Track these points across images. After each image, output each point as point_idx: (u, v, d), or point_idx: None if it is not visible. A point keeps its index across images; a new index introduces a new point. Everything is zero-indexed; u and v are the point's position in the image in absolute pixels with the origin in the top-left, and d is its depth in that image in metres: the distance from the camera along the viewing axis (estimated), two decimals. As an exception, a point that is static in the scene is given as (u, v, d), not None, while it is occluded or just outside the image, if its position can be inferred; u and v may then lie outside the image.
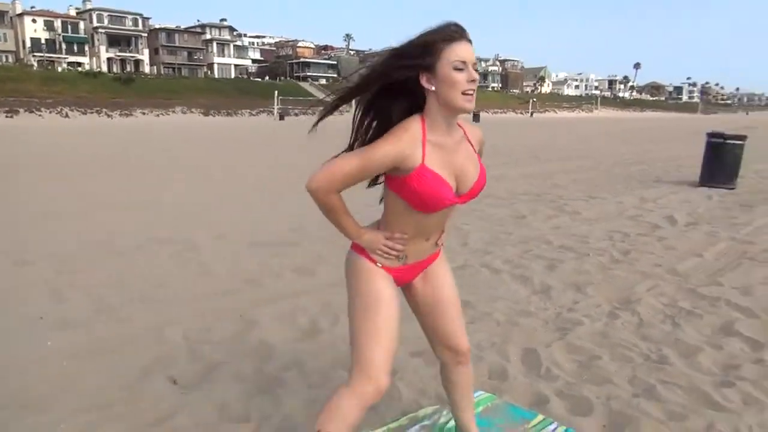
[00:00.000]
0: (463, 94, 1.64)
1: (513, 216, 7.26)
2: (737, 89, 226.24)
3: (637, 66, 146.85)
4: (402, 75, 1.67)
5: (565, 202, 8.12)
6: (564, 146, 21.16)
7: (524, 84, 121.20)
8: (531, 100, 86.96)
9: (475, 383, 2.60)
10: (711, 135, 10.16)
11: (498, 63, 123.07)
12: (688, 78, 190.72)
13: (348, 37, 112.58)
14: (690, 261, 5.20)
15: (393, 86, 1.70)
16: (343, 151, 1.77)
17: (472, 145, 1.84)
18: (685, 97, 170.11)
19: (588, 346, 3.35)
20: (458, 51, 1.62)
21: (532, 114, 78.87)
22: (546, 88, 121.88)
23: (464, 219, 6.68)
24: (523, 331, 3.57)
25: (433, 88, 1.65)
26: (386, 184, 1.79)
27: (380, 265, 1.84)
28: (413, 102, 1.73)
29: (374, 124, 1.77)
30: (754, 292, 4.31)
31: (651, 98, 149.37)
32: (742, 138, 10.02)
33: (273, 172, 11.76)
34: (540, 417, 2.56)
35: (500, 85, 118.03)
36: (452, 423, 2.43)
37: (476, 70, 1.67)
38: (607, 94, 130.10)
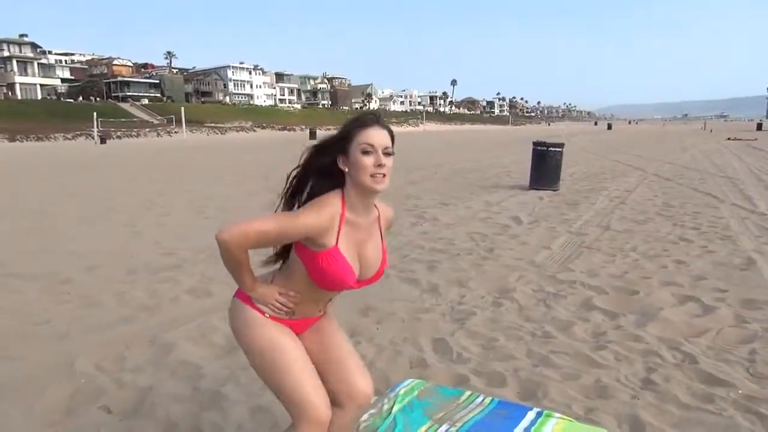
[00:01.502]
0: (371, 176, 1.72)
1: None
2: (539, 103, 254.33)
3: (454, 82, 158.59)
4: (323, 162, 1.81)
5: (423, 210, 8.78)
6: (401, 159, 22.34)
7: (353, 101, 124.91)
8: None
9: (401, 373, 2.94)
10: (536, 144, 11.54)
11: (326, 81, 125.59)
12: (498, 93, 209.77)
13: (170, 54, 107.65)
14: (542, 253, 6.00)
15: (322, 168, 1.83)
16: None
17: (381, 227, 1.93)
18: (497, 111, 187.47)
19: (484, 331, 3.83)
20: (368, 135, 1.73)
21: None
22: (374, 105, 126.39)
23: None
24: (427, 325, 3.95)
25: (347, 170, 1.76)
26: (295, 250, 1.83)
27: (268, 315, 1.86)
28: (337, 180, 1.81)
29: (302, 195, 1.87)
30: (598, 274, 5.14)
31: (468, 112, 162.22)
32: (561, 146, 11.54)
33: (118, 196, 11.09)
34: (468, 393, 2.92)
35: (330, 103, 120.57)
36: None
37: (388, 154, 1.74)
38: (430, 109, 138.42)
